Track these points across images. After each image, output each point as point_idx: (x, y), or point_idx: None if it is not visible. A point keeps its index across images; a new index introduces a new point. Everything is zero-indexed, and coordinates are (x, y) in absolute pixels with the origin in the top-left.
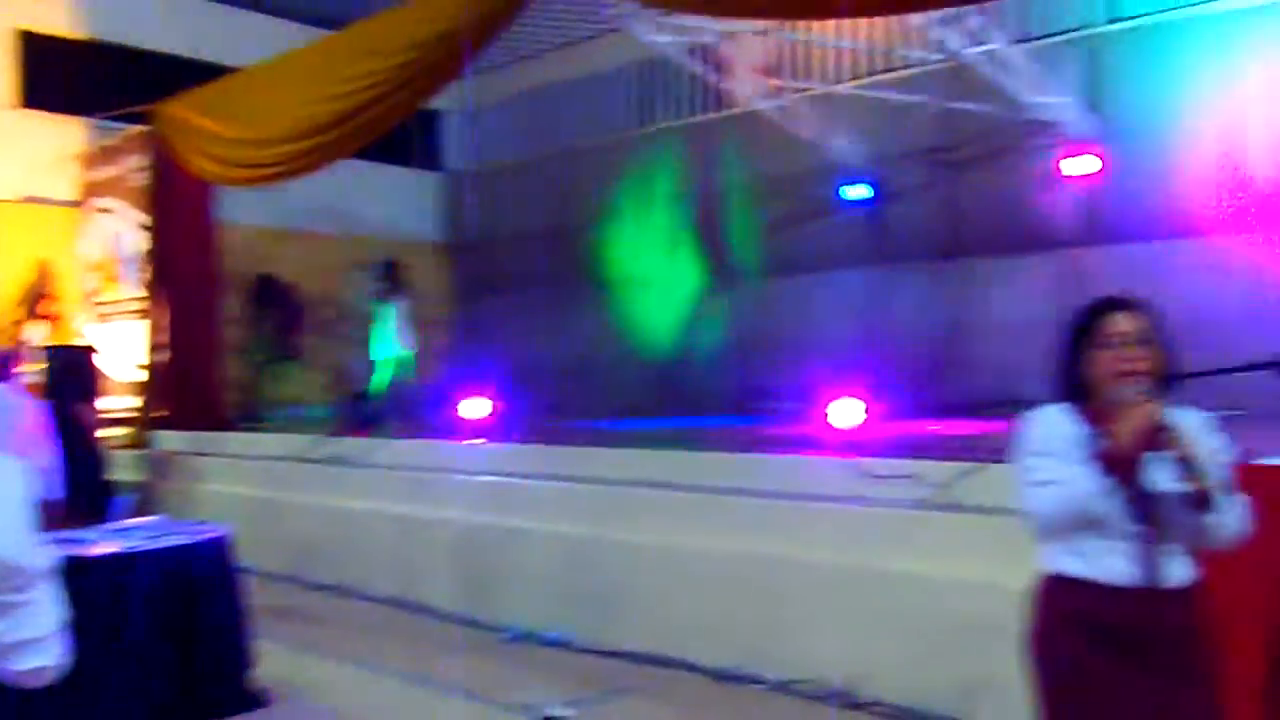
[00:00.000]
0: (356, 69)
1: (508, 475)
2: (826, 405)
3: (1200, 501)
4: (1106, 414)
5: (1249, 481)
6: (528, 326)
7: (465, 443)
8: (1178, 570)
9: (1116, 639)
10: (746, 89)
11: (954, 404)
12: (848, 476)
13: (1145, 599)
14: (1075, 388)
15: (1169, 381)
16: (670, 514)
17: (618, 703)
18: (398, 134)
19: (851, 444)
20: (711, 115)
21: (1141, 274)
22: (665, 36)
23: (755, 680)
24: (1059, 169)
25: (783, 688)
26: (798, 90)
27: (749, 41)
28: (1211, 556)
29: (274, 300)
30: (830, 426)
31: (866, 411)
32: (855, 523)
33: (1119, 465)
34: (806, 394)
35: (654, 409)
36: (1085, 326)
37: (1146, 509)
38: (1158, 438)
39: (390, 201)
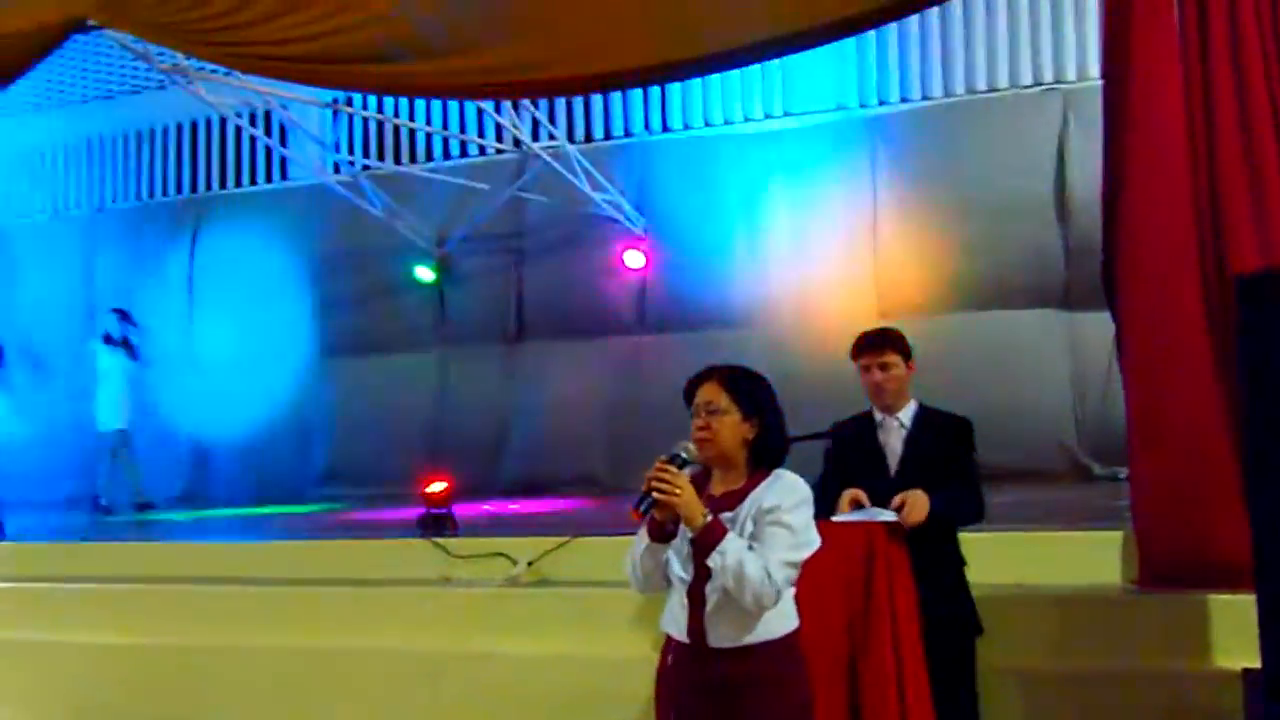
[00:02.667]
0: None
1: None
2: (402, 487)
3: (699, 548)
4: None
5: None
6: (30, 405)
7: None
8: (726, 627)
9: (673, 692)
10: (311, 161)
11: (522, 482)
12: (433, 558)
13: (692, 654)
14: None
15: (760, 448)
16: (229, 612)
17: None
18: None
19: (435, 525)
20: (271, 185)
21: (685, 360)
22: (222, 98)
23: None
24: (621, 261)
25: None
26: (365, 167)
27: (314, 113)
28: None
29: None
30: (411, 508)
31: (446, 493)
32: (444, 605)
33: (648, 522)
34: (380, 477)
35: (200, 499)
36: (688, 396)
37: (696, 567)
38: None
39: None
